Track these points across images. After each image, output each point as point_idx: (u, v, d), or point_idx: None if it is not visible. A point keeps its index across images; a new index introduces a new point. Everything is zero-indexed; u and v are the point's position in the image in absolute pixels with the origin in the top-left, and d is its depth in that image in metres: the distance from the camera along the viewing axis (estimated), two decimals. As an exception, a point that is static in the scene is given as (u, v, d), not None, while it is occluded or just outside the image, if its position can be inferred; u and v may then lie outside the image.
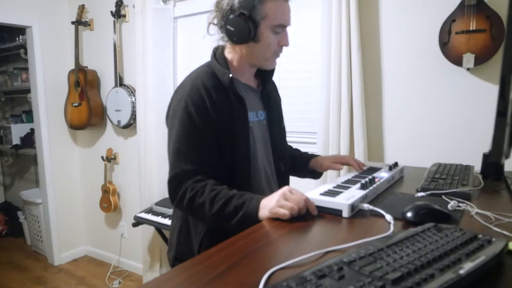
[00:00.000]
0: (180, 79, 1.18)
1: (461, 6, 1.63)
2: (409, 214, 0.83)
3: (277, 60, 1.18)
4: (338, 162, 1.34)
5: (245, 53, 1.14)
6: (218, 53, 1.18)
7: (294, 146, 1.51)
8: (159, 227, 2.38)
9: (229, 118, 1.10)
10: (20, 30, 3.31)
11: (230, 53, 1.17)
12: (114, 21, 2.88)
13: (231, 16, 1.07)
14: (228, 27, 1.08)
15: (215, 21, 1.13)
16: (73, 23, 3.08)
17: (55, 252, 3.28)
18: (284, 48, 1.16)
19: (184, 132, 1.07)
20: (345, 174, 1.25)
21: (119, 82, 2.92)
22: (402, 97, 1.87)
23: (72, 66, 3.13)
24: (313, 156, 1.41)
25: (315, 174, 1.41)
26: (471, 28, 1.60)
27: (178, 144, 1.07)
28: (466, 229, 0.68)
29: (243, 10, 1.05)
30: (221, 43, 1.18)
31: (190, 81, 1.12)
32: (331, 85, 1.91)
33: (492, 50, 1.58)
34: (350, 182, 1.11)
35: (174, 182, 1.06)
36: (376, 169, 1.29)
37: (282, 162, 1.27)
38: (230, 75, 1.11)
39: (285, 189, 0.94)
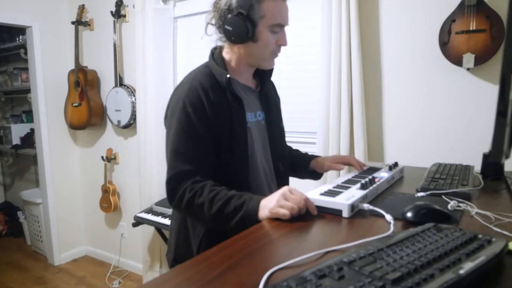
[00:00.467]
0: (180, 79, 1.18)
1: (461, 6, 1.63)
2: (409, 214, 0.83)
3: (276, 60, 1.18)
4: (339, 162, 1.33)
5: (243, 53, 1.14)
6: (216, 53, 1.18)
7: (294, 146, 1.51)
8: (159, 227, 2.38)
9: (227, 118, 1.10)
10: (20, 30, 3.31)
11: (228, 54, 1.17)
12: (114, 21, 2.88)
13: (229, 15, 1.07)
14: (226, 26, 1.08)
15: (213, 21, 1.13)
16: (73, 23, 3.08)
17: (55, 252, 3.28)
18: (284, 48, 1.16)
19: (182, 132, 1.07)
20: (345, 174, 1.25)
21: (119, 82, 2.92)
22: (402, 97, 1.87)
23: (72, 66, 3.13)
24: (313, 156, 1.40)
25: (316, 175, 1.41)
26: (471, 28, 1.60)
27: (176, 144, 1.07)
28: (466, 229, 0.68)
29: (241, 9, 1.05)
30: (219, 43, 1.18)
31: (188, 82, 1.12)
32: (331, 85, 1.90)
33: (492, 50, 1.58)
34: (350, 182, 1.11)
35: (173, 183, 1.06)
36: (376, 169, 1.29)
37: (281, 163, 1.27)
38: (228, 75, 1.11)
39: (285, 189, 0.94)
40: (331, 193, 0.98)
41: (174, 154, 1.07)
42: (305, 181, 1.49)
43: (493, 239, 0.64)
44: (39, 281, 3.01)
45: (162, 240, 2.57)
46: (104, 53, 3.06)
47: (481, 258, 0.56)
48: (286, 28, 1.14)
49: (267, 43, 1.10)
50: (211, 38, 1.17)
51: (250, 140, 1.15)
